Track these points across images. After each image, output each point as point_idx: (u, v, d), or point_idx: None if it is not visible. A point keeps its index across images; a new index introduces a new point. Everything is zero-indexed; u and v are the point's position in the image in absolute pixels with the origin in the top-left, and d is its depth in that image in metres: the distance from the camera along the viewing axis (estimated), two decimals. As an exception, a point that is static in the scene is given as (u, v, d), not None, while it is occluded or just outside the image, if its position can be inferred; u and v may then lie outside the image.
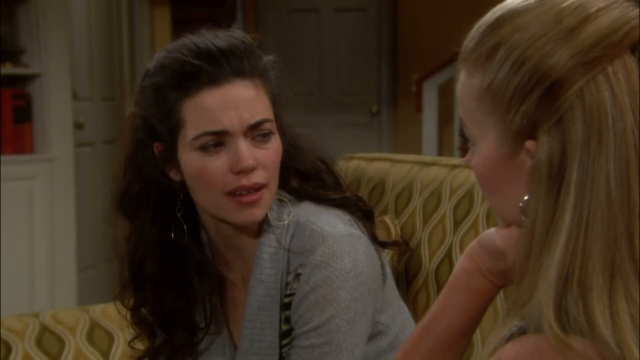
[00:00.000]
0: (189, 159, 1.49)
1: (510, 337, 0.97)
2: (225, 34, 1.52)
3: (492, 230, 1.14)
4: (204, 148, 1.47)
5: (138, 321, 1.63)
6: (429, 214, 1.88)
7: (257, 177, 1.47)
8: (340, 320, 1.48)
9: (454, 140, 6.17)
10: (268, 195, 1.50)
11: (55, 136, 4.36)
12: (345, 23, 6.87)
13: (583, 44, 0.97)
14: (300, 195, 1.58)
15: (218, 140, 1.47)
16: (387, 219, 1.94)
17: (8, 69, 4.19)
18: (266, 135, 1.50)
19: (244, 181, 1.47)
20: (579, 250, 0.94)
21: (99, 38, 5.17)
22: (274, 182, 1.51)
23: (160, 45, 5.99)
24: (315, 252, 1.50)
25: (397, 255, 1.87)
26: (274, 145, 1.51)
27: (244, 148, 1.47)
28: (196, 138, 1.47)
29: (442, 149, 6.30)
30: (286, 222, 1.54)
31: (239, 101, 1.47)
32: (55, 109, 4.36)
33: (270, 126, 1.50)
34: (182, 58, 1.48)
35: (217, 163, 1.47)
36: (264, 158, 1.48)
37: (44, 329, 2.01)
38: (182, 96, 1.47)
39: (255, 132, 1.48)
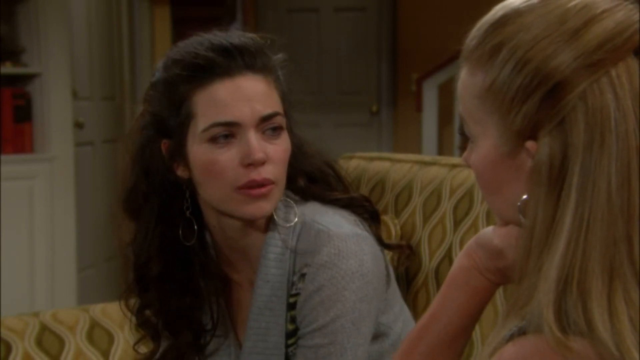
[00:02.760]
0: (199, 152, 1.48)
1: (511, 338, 0.97)
2: (238, 33, 1.53)
3: (490, 228, 1.14)
4: (213, 140, 1.47)
5: (142, 323, 1.62)
6: (429, 213, 1.88)
7: (267, 172, 1.47)
8: (344, 320, 1.48)
9: (454, 140, 6.16)
10: (277, 192, 1.50)
11: (55, 136, 4.36)
12: (345, 23, 6.87)
13: (587, 46, 0.97)
14: (306, 196, 1.58)
15: (228, 131, 1.46)
16: (387, 218, 1.94)
17: (8, 69, 4.19)
18: (276, 130, 1.49)
19: (254, 175, 1.46)
20: (578, 253, 0.94)
21: (99, 38, 5.17)
22: (282, 181, 1.51)
23: (161, 45, 6.02)
24: (321, 252, 1.49)
25: (398, 256, 1.87)
26: (284, 142, 1.50)
27: (255, 140, 1.46)
28: (206, 129, 1.47)
29: (442, 148, 6.30)
30: (293, 223, 1.54)
31: (251, 93, 1.47)
32: (55, 108, 4.36)
33: (281, 121, 1.50)
34: (194, 51, 1.48)
35: (227, 155, 1.46)
36: (273, 153, 1.48)
37: (44, 328, 2.01)
38: (194, 88, 1.47)
39: (267, 125, 1.48)
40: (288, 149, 1.51)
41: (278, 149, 1.49)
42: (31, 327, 2.00)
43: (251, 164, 1.46)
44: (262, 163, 1.46)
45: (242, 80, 1.47)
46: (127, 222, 1.58)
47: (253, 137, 1.46)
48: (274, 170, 1.48)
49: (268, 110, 1.48)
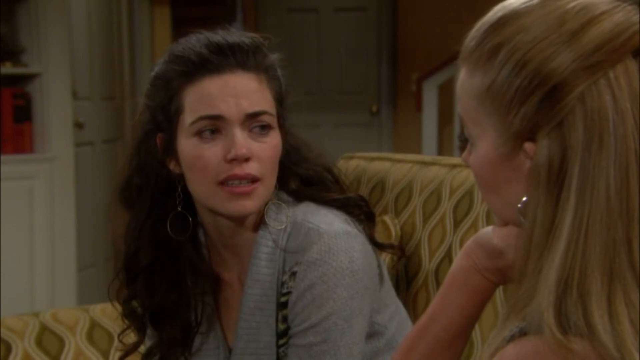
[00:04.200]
0: (186, 146, 1.49)
1: (512, 338, 0.97)
2: (238, 32, 1.54)
3: (489, 228, 1.14)
4: (200, 134, 1.48)
5: (128, 313, 1.63)
6: (429, 213, 1.88)
7: (251, 168, 1.47)
8: (337, 318, 1.48)
9: (454, 140, 6.16)
10: (262, 190, 1.50)
11: (55, 136, 4.36)
12: (345, 22, 6.87)
13: (585, 48, 0.97)
14: (299, 197, 1.58)
15: (214, 126, 1.47)
16: (387, 218, 1.94)
17: (8, 69, 4.19)
18: (264, 128, 1.50)
19: (237, 170, 1.46)
20: (578, 255, 0.94)
21: (99, 38, 5.17)
22: (270, 178, 1.51)
23: (160, 45, 6.01)
24: (311, 250, 1.49)
25: (395, 257, 1.87)
26: (273, 140, 1.51)
27: (239, 136, 1.47)
28: (193, 123, 1.48)
29: (442, 148, 6.30)
30: (284, 225, 1.54)
31: (239, 90, 1.48)
32: (55, 108, 4.36)
33: (270, 120, 1.50)
34: (190, 48, 1.50)
35: (212, 151, 1.47)
36: (259, 151, 1.48)
37: (44, 328, 2.01)
38: (185, 83, 1.49)
39: (253, 122, 1.49)
40: (277, 148, 1.51)
41: (265, 147, 1.49)
42: (31, 327, 2.00)
43: (234, 159, 1.46)
44: (246, 159, 1.47)
45: (232, 77, 1.49)
46: (122, 213, 1.59)
47: (238, 133, 1.47)
48: (259, 167, 1.48)
49: (255, 108, 1.48)
